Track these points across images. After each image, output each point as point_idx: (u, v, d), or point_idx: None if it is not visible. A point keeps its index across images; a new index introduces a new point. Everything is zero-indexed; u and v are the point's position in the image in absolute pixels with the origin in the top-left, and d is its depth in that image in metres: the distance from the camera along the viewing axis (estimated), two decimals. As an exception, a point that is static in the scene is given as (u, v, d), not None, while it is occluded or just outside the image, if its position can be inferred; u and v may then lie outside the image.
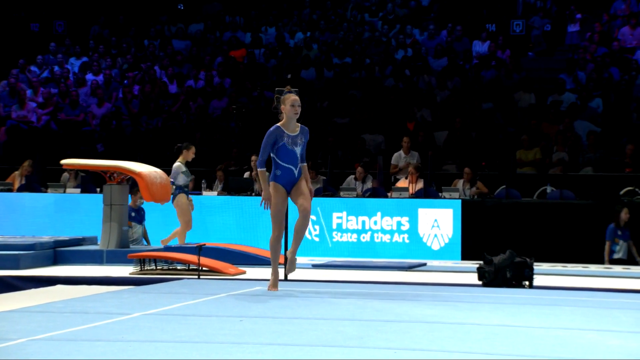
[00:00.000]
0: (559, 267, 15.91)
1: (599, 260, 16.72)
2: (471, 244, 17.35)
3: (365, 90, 24.28)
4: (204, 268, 13.99)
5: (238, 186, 19.12)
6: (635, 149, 19.17)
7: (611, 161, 20.17)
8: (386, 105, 23.55)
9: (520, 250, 13.61)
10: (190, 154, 17.10)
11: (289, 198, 11.44)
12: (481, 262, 13.43)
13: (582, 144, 20.67)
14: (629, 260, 16.75)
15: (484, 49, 25.38)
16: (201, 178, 20.17)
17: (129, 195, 17.48)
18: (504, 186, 18.90)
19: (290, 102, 11.03)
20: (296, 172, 11.18)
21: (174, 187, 16.73)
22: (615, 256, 16.54)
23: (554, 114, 21.77)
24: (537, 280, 13.49)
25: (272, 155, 11.08)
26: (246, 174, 20.03)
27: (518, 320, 9.81)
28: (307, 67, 25.88)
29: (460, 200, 17.89)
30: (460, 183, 18.84)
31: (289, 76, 25.10)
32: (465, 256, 17.37)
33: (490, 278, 13.19)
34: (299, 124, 11.15)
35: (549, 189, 18.62)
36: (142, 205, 18.07)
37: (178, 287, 12.66)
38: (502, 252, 13.34)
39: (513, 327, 9.40)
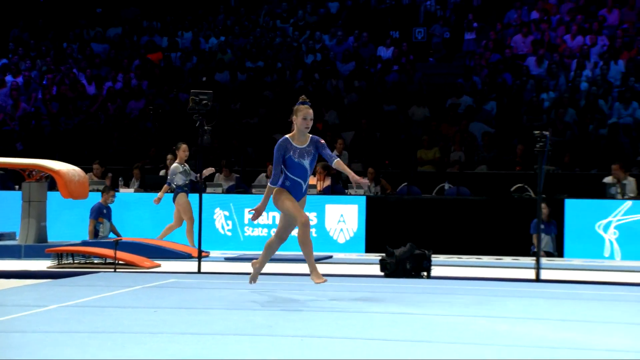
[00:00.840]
0: (454, 258, 16.07)
1: (492, 252, 16.92)
2: (375, 237, 17.44)
3: (277, 92, 24.28)
4: (120, 262, 13.84)
5: (154, 183, 18.99)
6: (525, 149, 19.42)
7: (503, 160, 20.44)
8: (296, 107, 23.54)
9: (420, 243, 13.74)
10: (182, 153, 16.79)
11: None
12: (383, 254, 13.57)
13: (477, 144, 20.90)
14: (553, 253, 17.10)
15: (388, 54, 25.51)
16: (118, 175, 20.00)
17: (101, 193, 17.64)
18: (405, 183, 19.03)
19: (302, 115, 10.18)
20: (304, 187, 10.32)
21: (174, 187, 16.52)
22: (544, 248, 16.73)
23: (452, 116, 21.97)
24: (435, 270, 13.64)
25: (282, 167, 10.21)
26: (162, 172, 19.88)
27: (417, 309, 9.89)
28: (222, 70, 25.78)
29: (365, 197, 18.00)
30: (373, 185, 18.91)
31: (204, 79, 24.98)
32: (369, 249, 17.47)
33: (392, 269, 13.32)
34: (310, 135, 10.31)
35: (447, 186, 18.79)
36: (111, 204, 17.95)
37: (95, 279, 12.53)
38: (403, 245, 13.50)
39: (412, 315, 9.48)
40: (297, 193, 10.26)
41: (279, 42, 27.18)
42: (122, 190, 19.08)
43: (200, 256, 13.65)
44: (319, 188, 18.57)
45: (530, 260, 14.85)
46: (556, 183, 18.11)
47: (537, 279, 13.24)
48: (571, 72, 22.74)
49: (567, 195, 17.40)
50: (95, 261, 14.37)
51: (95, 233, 17.42)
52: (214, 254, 16.19)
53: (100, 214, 17.42)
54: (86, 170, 16.68)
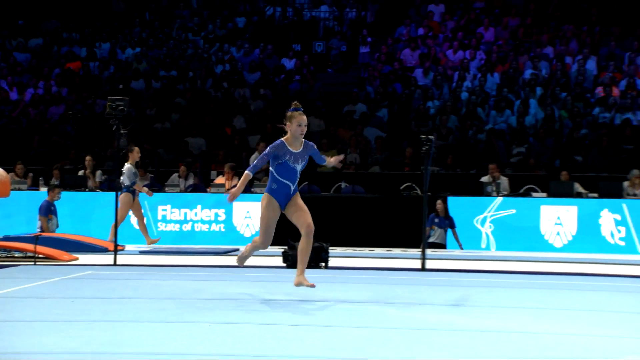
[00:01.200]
0: (350, 250, 16.13)
1: (384, 244, 17.02)
2: (278, 231, 17.36)
3: (189, 99, 24.12)
4: (40, 255, 13.59)
5: (73, 183, 18.73)
6: (413, 152, 19.59)
7: (394, 161, 20.60)
8: (207, 112, 23.44)
9: (319, 237, 13.69)
10: (135, 155, 16.50)
11: (285, 213, 9.90)
12: (286, 247, 13.58)
13: (371, 147, 21.03)
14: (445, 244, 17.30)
15: (291, 65, 25.53)
16: (39, 175, 19.66)
17: (47, 191, 17.28)
18: (306, 182, 19.05)
19: (297, 122, 9.52)
20: (293, 188, 9.68)
21: (125, 185, 16.24)
22: (431, 240, 16.85)
23: (349, 121, 22.06)
24: (332, 262, 13.68)
25: (271, 168, 9.54)
26: (80, 172, 19.60)
27: (315, 296, 9.90)
28: (137, 78, 25.52)
29: (268, 195, 17.98)
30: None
31: (121, 86, 24.69)
32: (272, 242, 17.36)
33: (293, 260, 13.28)
34: (303, 139, 9.68)
35: (343, 184, 18.87)
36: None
37: (15, 272, 12.30)
38: (304, 238, 13.49)
39: (310, 302, 9.50)
40: (284, 195, 9.62)
41: (190, 53, 27.00)
42: (42, 189, 18.74)
43: (116, 250, 13.51)
44: (227, 187, 18.50)
45: (417, 252, 14.99)
46: (440, 182, 18.32)
47: (423, 269, 13.37)
48: (453, 83, 23.03)
49: (449, 193, 17.60)
50: (16, 255, 14.08)
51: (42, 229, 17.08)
52: (129, 247, 16.00)
53: (49, 211, 17.07)
54: (8, 171, 16.31)
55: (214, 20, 28.36)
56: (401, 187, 18.18)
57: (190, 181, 19.27)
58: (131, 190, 16.28)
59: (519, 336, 7.72)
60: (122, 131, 13.57)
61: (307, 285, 9.46)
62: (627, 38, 23.07)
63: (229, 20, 28.40)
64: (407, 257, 15.15)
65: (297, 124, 9.51)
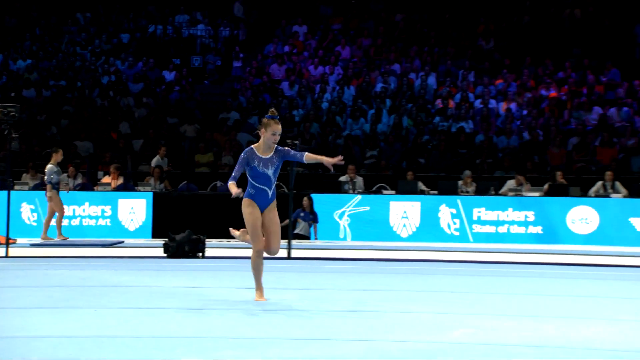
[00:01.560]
0: (225, 242, 16.08)
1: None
2: (160, 226, 17.22)
3: (77, 107, 23.61)
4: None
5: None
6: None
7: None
8: (94, 119, 23.01)
9: (197, 230, 13.73)
10: (59, 156, 15.95)
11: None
12: (167, 239, 13.52)
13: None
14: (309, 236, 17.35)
15: (171, 77, 25.25)
16: None
17: None
18: (185, 182, 18.93)
19: (271, 130, 8.50)
20: (270, 193, 8.70)
21: (52, 184, 15.65)
22: (296, 231, 16.86)
23: (223, 127, 21.95)
24: (209, 252, 13.63)
25: (247, 175, 8.68)
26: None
27: (192, 283, 9.85)
28: (29, 87, 24.82)
29: (152, 193, 17.79)
30: (152, 180, 18.64)
31: (13, 94, 23.93)
32: (155, 235, 17.24)
33: (173, 251, 13.27)
34: (276, 145, 8.67)
35: (219, 183, 18.79)
36: None
37: None
38: (183, 231, 13.49)
39: (188, 288, 9.44)
40: (263, 200, 8.69)
41: (78, 65, 26.41)
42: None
43: (8, 243, 13.14)
44: (113, 185, 18.21)
45: (284, 242, 15.03)
46: (304, 181, 18.45)
47: (289, 257, 13.44)
48: (315, 95, 23.19)
49: (312, 190, 17.71)
50: None
51: None
52: (20, 241, 15.57)
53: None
54: None
55: (100, 35, 27.83)
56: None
57: (79, 180, 18.88)
58: (56, 188, 15.91)
59: (369, 314, 7.83)
60: (13, 135, 13.30)
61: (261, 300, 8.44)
62: (460, 58, 23.66)
63: (114, 36, 27.91)
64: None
65: (271, 133, 8.50)
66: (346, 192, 17.62)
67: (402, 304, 8.60)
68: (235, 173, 8.58)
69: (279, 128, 8.57)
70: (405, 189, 17.41)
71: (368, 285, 10.36)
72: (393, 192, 17.58)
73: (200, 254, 13.42)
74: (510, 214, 16.75)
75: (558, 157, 19.44)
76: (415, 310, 8.19)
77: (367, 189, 17.97)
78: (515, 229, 16.66)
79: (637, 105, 20.82)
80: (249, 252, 14.35)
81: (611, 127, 20.16)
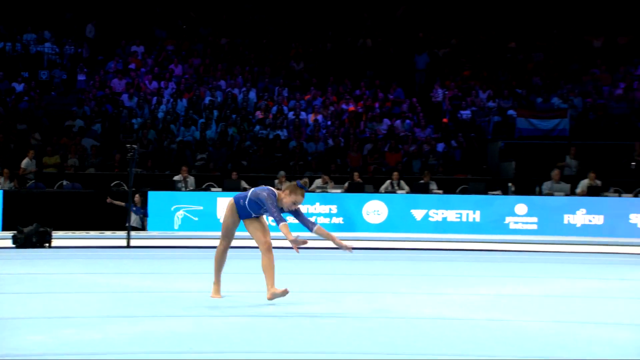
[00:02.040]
0: (70, 233, 15.68)
1: (99, 228, 16.70)
2: (10, 219, 16.53)
3: None
4: None
5: None
6: (121, 157, 19.21)
7: (107, 165, 20.15)
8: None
9: (45, 223, 13.33)
10: None
11: (243, 222, 7.76)
12: (15, 231, 13.08)
13: (87, 153, 20.43)
14: (142, 228, 17.02)
15: (20, 88, 24.21)
16: None
17: None
18: (34, 180, 18.27)
19: (294, 199, 7.54)
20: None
21: None
22: (132, 224, 16.56)
23: (70, 133, 21.25)
24: (56, 242, 13.27)
25: (256, 197, 7.50)
26: None
27: (39, 269, 9.58)
28: None
29: (2, 191, 17.04)
30: (1, 179, 17.84)
31: None
32: (5, 228, 16.51)
33: (21, 242, 12.86)
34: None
35: (65, 182, 18.22)
36: None
37: None
38: (31, 224, 13.09)
39: (34, 274, 9.18)
40: (246, 213, 7.67)
41: None
42: None
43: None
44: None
45: (123, 233, 14.81)
46: (142, 180, 18.20)
47: (128, 246, 13.28)
48: (152, 106, 22.87)
49: (150, 188, 17.50)
50: None
51: None
52: None
53: None
54: None
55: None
56: (112, 184, 17.89)
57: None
58: None
59: (193, 294, 7.89)
60: None
61: (282, 293, 7.41)
62: (276, 77, 24.01)
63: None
64: (116, 238, 14.95)
65: (292, 201, 7.54)
66: (179, 189, 17.54)
67: (225, 284, 8.71)
68: (279, 214, 7.47)
69: (301, 200, 7.62)
70: (231, 187, 17.50)
71: (198, 269, 10.37)
72: (220, 189, 17.64)
73: (47, 244, 13.05)
74: (318, 207, 17.15)
75: (356, 160, 20.09)
76: (236, 290, 8.30)
77: (198, 187, 17.95)
78: (321, 220, 17.07)
79: (417, 118, 21.81)
80: (91, 242, 14.12)
81: (397, 136, 21.03)
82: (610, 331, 6.43)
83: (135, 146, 13.67)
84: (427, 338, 6.04)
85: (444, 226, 16.37)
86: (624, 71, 22.58)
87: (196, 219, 17.14)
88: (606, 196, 16.36)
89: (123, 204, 16.49)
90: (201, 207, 17.11)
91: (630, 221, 15.77)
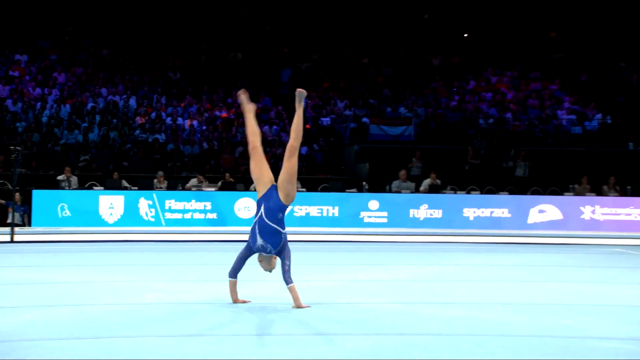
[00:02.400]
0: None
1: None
2: None
3: None
4: None
5: None
6: (6, 159, 18.20)
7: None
8: None
9: None
10: None
11: None
12: None
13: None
14: (23, 224, 16.17)
15: None
16: None
17: None
18: None
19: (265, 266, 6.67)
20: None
21: None
22: (9, 221, 15.68)
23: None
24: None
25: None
26: None
27: None
28: None
29: None
30: None
31: None
32: None
33: None
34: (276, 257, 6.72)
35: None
36: None
37: None
38: None
39: None
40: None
41: None
42: None
43: None
44: None
45: (7, 229, 14.08)
46: (27, 180, 17.35)
47: (12, 241, 12.65)
48: (37, 110, 21.85)
49: (34, 187, 16.70)
50: None
51: None
52: None
53: None
54: None
55: None
56: (-7, 183, 16.98)
57: None
58: None
59: (73, 284, 7.63)
60: None
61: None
62: (154, 85, 23.50)
63: None
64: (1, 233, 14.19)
65: (265, 268, 6.69)
66: (63, 188, 16.85)
67: (106, 275, 8.46)
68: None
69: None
70: (112, 185, 16.99)
71: (81, 262, 10.04)
72: (102, 188, 17.09)
73: None
74: (194, 204, 16.91)
75: (228, 162, 19.96)
76: (116, 280, 8.11)
77: (81, 186, 17.30)
78: (197, 215, 16.85)
79: (283, 124, 21.92)
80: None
81: (265, 140, 21.05)
82: (447, 310, 6.70)
83: (19, 148, 13.00)
84: (287, 321, 6.08)
85: (307, 220, 16.53)
86: (457, 86, 23.57)
87: (80, 215, 16.53)
88: (444, 193, 17.02)
89: (4, 201, 15.71)
90: (85, 204, 16.51)
91: (464, 215, 16.47)
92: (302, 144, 20.89)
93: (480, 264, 10.25)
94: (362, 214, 16.53)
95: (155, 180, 17.55)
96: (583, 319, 6.27)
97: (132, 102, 22.64)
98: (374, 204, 16.57)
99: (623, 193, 17.18)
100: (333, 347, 5.18)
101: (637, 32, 25.28)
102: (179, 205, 16.98)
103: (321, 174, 19.54)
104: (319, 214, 16.61)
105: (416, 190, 17.18)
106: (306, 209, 16.63)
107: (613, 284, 8.61)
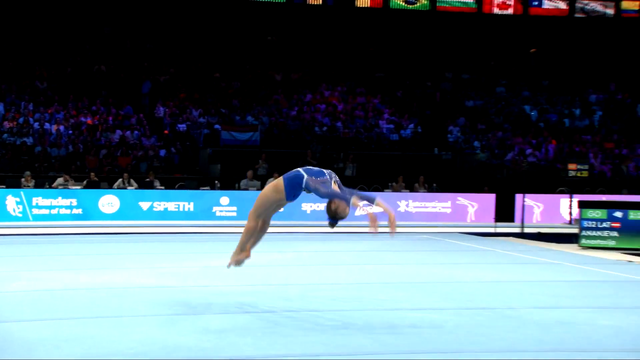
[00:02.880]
0: None
1: None
2: None
3: None
4: None
5: None
6: None
7: None
8: None
9: None
10: None
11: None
12: None
13: None
14: None
15: None
16: None
17: None
18: None
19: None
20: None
21: None
22: None
23: None
24: None
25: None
26: None
27: None
28: None
29: None
30: None
31: None
32: None
33: None
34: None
35: None
36: None
37: None
38: None
39: None
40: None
41: None
42: None
43: None
44: None
45: None
46: None
47: None
48: None
49: None
50: None
51: None
52: None
53: None
54: None
55: None
56: None
57: None
58: None
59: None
60: None
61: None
62: (22, 94, 21.92)
63: None
64: None
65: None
66: None
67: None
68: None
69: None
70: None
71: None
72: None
73: None
74: (60, 201, 15.98)
75: (93, 163, 19.03)
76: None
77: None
78: (63, 211, 15.93)
79: (144, 130, 21.22)
80: None
81: (127, 143, 20.28)
82: (286, 290, 6.81)
83: None
84: (151, 303, 5.92)
85: (165, 215, 16.15)
86: (296, 98, 23.97)
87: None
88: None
89: None
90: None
91: (302, 208, 16.75)
92: (161, 147, 20.39)
93: (315, 251, 10.50)
94: (215, 208, 16.40)
95: (22, 180, 16.40)
96: (398, 294, 6.60)
97: (0, 108, 20.98)
98: (225, 199, 16.49)
99: (430, 190, 18.21)
100: (181, 327, 5.11)
101: (438, 55, 26.99)
102: (46, 202, 15.97)
103: (178, 174, 19.16)
104: (177, 209, 16.28)
105: (262, 187, 17.27)
106: (164, 204, 16.24)
107: (423, 264, 9.12)
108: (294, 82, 25.01)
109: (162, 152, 20.21)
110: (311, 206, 16.72)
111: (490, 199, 16.97)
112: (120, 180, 17.03)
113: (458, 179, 19.18)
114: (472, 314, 5.62)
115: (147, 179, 17.09)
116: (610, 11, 27.64)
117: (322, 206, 16.72)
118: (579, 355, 4.47)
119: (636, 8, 27.72)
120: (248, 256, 5.88)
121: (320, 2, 26.34)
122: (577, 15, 27.44)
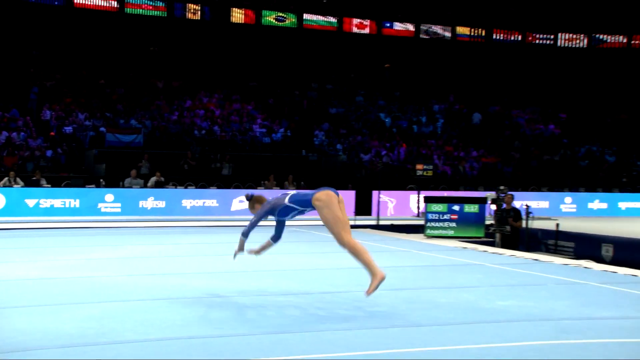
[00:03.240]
0: None
1: None
2: None
3: None
4: None
5: None
6: None
7: None
8: None
9: None
10: None
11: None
12: None
13: None
14: None
15: None
16: None
17: None
18: None
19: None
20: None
21: None
22: None
23: None
24: None
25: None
26: None
27: None
28: None
29: None
30: None
31: None
32: None
33: None
34: None
35: None
36: None
37: None
38: None
39: None
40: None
41: None
42: None
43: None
44: None
45: None
46: None
47: None
48: None
49: None
50: None
51: None
52: None
53: None
54: None
55: None
56: None
57: None
58: None
59: None
60: None
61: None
62: None
63: None
64: None
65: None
66: None
67: None
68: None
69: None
70: None
71: None
72: None
73: None
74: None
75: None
76: None
77: None
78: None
79: (30, 132, 19.93)
80: None
81: (14, 144, 18.95)
82: (165, 279, 6.83)
83: None
84: (34, 294, 5.76)
85: (52, 211, 15.35)
86: (177, 104, 23.56)
87: None
88: (167, 188, 16.98)
89: None
90: None
91: (183, 205, 16.60)
92: (47, 148, 19.22)
93: (194, 243, 10.52)
94: (100, 205, 15.83)
95: None
96: (266, 281, 6.82)
97: None
98: (109, 197, 15.96)
99: (298, 187, 18.66)
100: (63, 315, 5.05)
101: (305, 67, 27.61)
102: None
103: (64, 173, 18.22)
104: (63, 206, 15.52)
105: (145, 185, 16.90)
106: (51, 201, 15.44)
107: (292, 254, 9.40)
108: (174, 89, 24.57)
109: (49, 153, 19.13)
110: (191, 202, 16.60)
111: (351, 195, 17.60)
112: (6, 178, 15.95)
113: (323, 178, 19.81)
114: (318, 298, 5.91)
115: (34, 178, 16.12)
116: (448, 34, 29.68)
117: (200, 202, 16.63)
118: (423, 329, 4.65)
119: (467, 33, 29.94)
120: (383, 276, 5.22)
121: (199, 17, 26.07)
122: (422, 36, 29.16)
